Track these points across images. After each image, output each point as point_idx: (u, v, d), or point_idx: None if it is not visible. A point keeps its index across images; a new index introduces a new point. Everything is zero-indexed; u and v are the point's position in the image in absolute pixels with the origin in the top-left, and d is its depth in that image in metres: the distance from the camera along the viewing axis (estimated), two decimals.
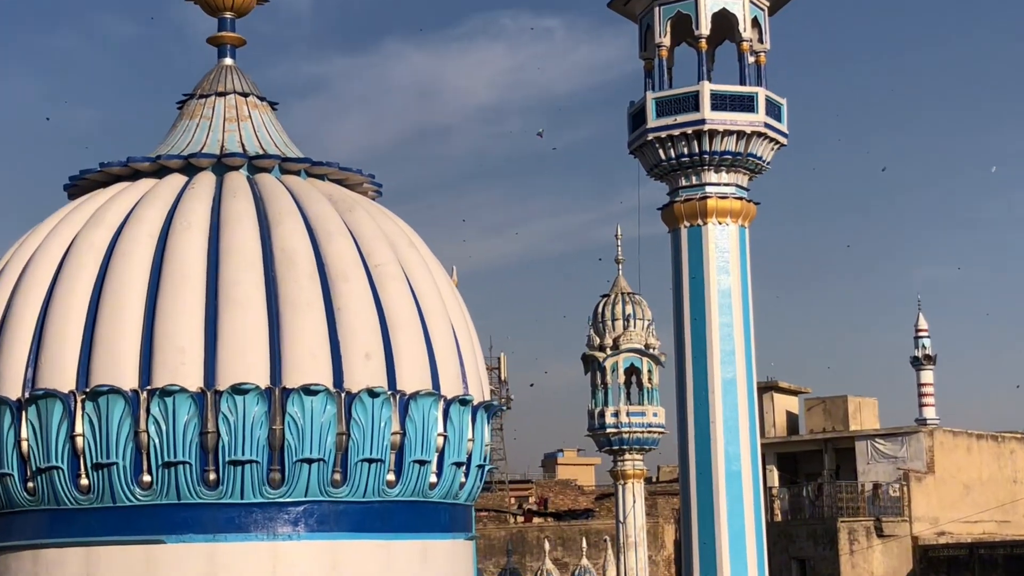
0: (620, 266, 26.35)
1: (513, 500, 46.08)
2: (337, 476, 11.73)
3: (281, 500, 11.71)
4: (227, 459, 11.56)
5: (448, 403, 12.20)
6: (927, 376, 40.67)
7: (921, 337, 40.90)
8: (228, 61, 13.60)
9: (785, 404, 43.27)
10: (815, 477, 37.59)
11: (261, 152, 13.03)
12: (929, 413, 39.95)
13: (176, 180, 12.58)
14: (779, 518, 37.46)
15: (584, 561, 25.19)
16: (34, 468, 11.95)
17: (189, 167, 12.74)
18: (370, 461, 11.76)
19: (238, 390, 11.44)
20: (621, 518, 25.31)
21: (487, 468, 13.12)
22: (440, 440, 12.13)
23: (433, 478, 12.18)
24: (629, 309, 24.54)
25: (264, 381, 11.53)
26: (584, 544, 28.31)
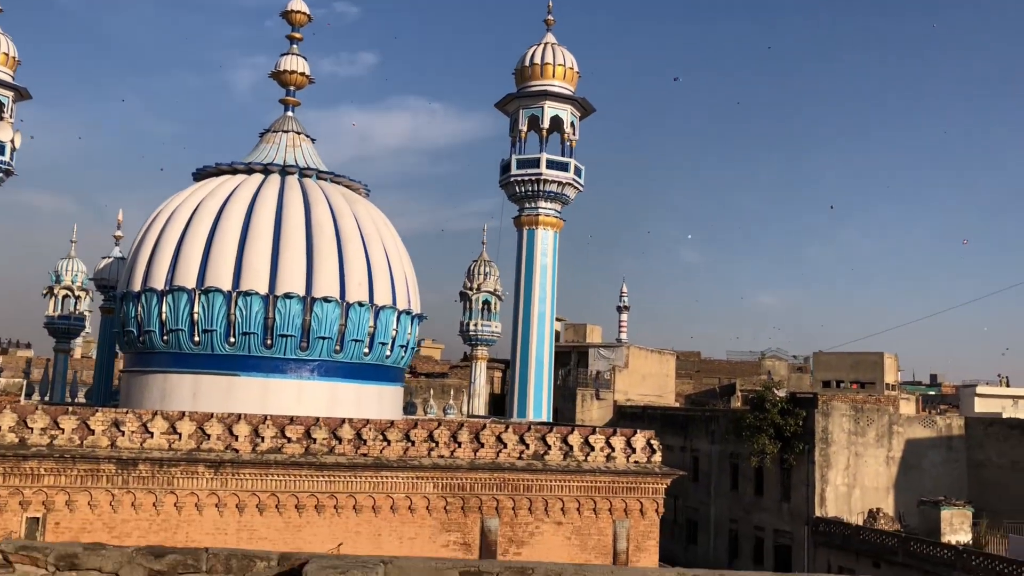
0: (484, 245, 43.57)
1: None
2: (337, 348, 20.82)
3: (306, 358, 20.68)
4: (278, 333, 20.42)
5: (399, 312, 21.47)
6: (624, 316, 72.45)
7: (623, 296, 72.34)
8: (290, 113, 22.93)
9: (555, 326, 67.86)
10: (567, 366, 60.61)
11: (306, 166, 22.24)
12: (623, 335, 70.12)
13: (259, 177, 21.66)
14: None
15: (451, 402, 37.15)
16: (168, 328, 20.56)
17: (267, 170, 21.83)
18: (356, 340, 20.88)
19: (288, 295, 20.33)
20: (473, 380, 38.12)
21: (413, 348, 22.56)
22: (394, 332, 21.38)
23: (388, 352, 21.41)
24: (487, 268, 39.04)
25: (302, 292, 20.44)
26: (452, 392, 46.23)
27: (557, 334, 67.83)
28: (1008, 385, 69.33)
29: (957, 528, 34.06)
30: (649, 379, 59.86)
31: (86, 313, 40.61)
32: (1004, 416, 48.00)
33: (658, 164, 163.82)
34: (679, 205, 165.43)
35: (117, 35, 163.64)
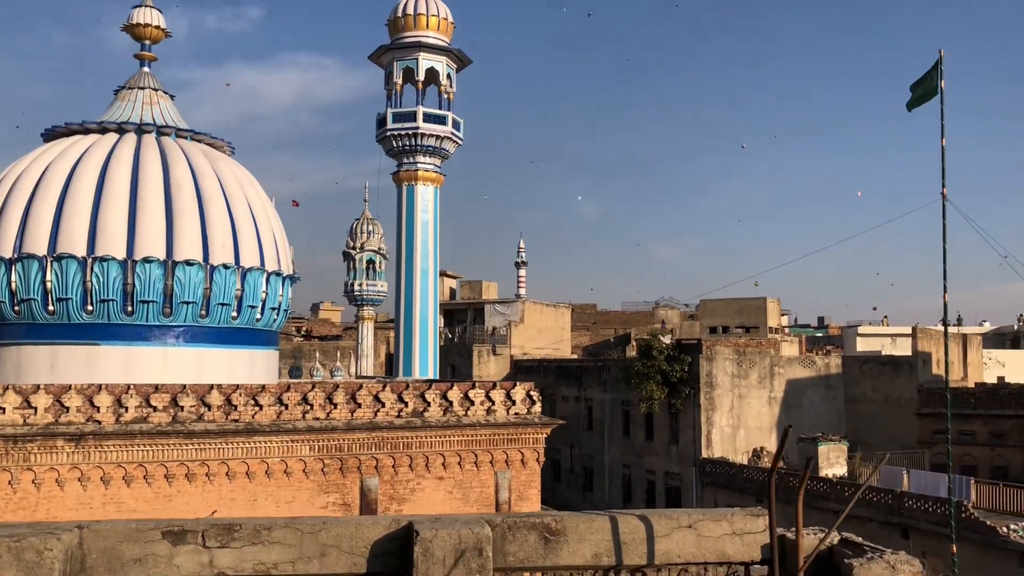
0: (367, 203, 42.96)
1: (294, 328, 66.86)
2: (203, 312, 20.15)
3: (170, 324, 19.96)
4: (138, 299, 19.63)
5: (269, 274, 20.90)
6: (522, 272, 73.96)
7: (520, 251, 73.76)
8: (146, 69, 21.80)
9: (449, 283, 67.79)
10: (463, 323, 61.54)
11: (164, 124, 21.25)
12: (521, 291, 71.00)
13: (112, 136, 20.59)
14: (442, 343, 56.51)
15: (338, 363, 36.36)
16: (19, 298, 19.53)
17: (121, 129, 20.76)
18: (223, 304, 20.25)
19: (147, 260, 19.53)
20: (360, 340, 37.62)
21: (287, 310, 22.05)
22: (263, 294, 20.81)
23: (258, 315, 20.84)
24: (370, 227, 37.91)
25: (163, 255, 19.66)
26: (338, 354, 44.99)
27: (452, 291, 68.07)
28: (887, 324, 72.81)
29: (834, 462, 35.72)
30: (545, 332, 60.55)
31: None
32: (884, 353, 50.49)
33: (555, 116, 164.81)
34: (576, 158, 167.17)
35: None
